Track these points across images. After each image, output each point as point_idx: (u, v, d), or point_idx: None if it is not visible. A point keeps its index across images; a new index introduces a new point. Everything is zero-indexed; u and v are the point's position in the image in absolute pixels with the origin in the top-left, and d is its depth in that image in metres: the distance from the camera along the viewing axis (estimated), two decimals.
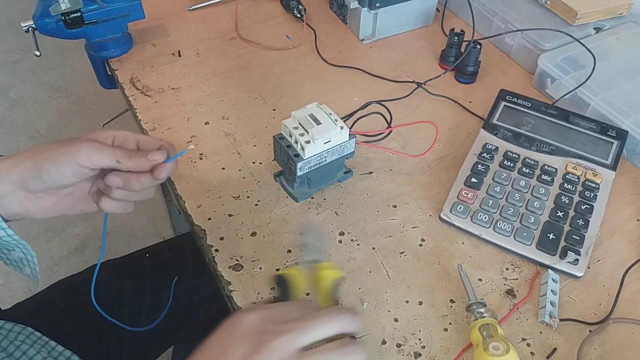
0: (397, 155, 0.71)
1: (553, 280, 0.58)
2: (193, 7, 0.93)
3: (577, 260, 0.59)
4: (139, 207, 0.57)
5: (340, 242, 0.61)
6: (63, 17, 0.76)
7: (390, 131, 0.72)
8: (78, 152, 0.49)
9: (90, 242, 1.65)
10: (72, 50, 2.20)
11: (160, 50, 0.85)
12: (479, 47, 0.79)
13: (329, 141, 0.60)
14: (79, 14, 0.77)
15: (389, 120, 0.72)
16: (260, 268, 0.59)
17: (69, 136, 0.51)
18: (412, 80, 0.81)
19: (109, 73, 0.86)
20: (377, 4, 0.84)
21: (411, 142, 0.73)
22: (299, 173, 0.60)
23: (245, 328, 0.42)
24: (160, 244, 0.92)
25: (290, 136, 0.59)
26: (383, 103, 0.75)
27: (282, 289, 0.51)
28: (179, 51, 0.85)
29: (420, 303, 0.57)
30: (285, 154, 0.60)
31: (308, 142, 0.58)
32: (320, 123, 0.60)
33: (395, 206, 0.65)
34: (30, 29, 0.77)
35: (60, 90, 2.11)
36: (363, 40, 0.89)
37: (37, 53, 0.76)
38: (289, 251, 0.60)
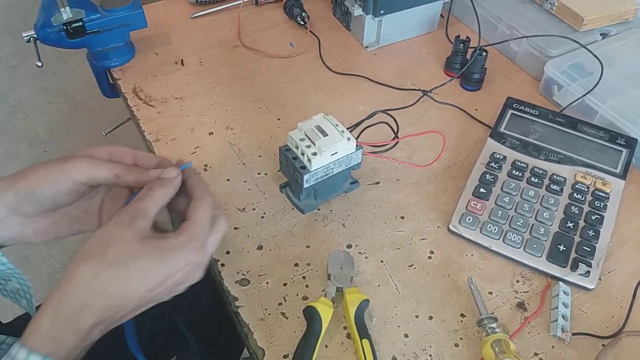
0: (403, 165, 0.70)
1: (564, 292, 0.57)
2: (196, 15, 0.92)
3: (588, 272, 0.58)
4: None
5: (348, 253, 0.61)
6: (65, 27, 0.75)
7: (397, 142, 0.71)
8: (74, 168, 0.47)
9: None
10: (72, 55, 2.18)
11: (163, 59, 0.85)
12: (485, 54, 0.79)
13: (336, 153, 0.59)
14: (80, 23, 0.76)
15: (395, 130, 0.72)
16: (267, 282, 0.58)
17: (70, 142, 0.50)
18: (417, 88, 0.81)
19: (111, 82, 0.86)
20: (382, 11, 0.83)
21: (418, 151, 0.72)
22: (305, 185, 0.59)
23: None
24: None
25: (297, 148, 0.59)
26: (389, 112, 0.74)
27: (313, 321, 0.52)
28: (182, 60, 0.84)
29: (431, 318, 0.56)
30: (291, 165, 0.59)
31: (315, 154, 0.57)
32: (327, 134, 0.59)
33: (403, 217, 0.65)
34: (31, 38, 0.76)
35: (60, 96, 2.11)
36: (367, 47, 0.89)
37: (39, 64, 0.75)
38: (296, 265, 0.60)
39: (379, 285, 0.58)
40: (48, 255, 1.62)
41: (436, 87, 0.80)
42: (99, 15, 0.78)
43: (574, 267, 0.58)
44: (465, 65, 0.80)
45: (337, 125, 0.60)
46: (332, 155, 0.59)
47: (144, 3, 0.93)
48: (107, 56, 0.82)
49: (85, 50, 0.82)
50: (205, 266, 0.46)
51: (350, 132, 0.63)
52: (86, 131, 1.95)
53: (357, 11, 0.85)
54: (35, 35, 0.76)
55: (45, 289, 1.54)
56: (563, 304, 0.56)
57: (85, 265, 0.41)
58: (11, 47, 2.31)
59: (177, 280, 0.44)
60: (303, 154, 0.58)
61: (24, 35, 0.76)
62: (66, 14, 0.74)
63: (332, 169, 0.61)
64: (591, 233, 0.61)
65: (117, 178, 0.48)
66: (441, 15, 0.92)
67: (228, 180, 0.68)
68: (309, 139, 0.59)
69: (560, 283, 0.58)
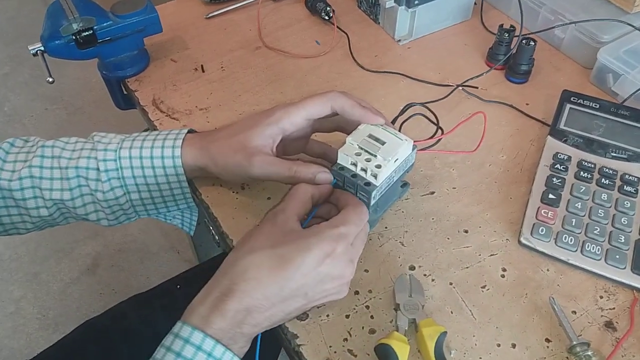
0: (458, 170, 0.64)
1: None
2: (210, 15, 0.85)
3: None
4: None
5: (415, 277, 0.55)
6: (74, 37, 0.68)
7: (441, 135, 0.65)
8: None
9: (101, 262, 1.58)
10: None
11: (181, 66, 0.78)
12: (533, 43, 0.72)
13: (398, 159, 0.53)
14: (91, 32, 0.69)
15: (437, 123, 0.65)
16: (328, 315, 0.52)
17: None
18: (459, 83, 0.74)
19: (126, 92, 0.79)
20: (416, 1, 0.77)
21: (464, 141, 0.66)
22: (372, 202, 0.53)
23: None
24: (189, 272, 0.85)
25: (354, 165, 0.52)
26: (427, 105, 0.68)
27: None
28: (202, 66, 0.77)
29: (514, 346, 0.50)
30: (351, 184, 0.53)
31: (379, 166, 0.51)
32: (384, 142, 0.53)
33: (466, 231, 0.59)
34: (38, 52, 0.69)
35: (56, 102, 2.03)
36: (399, 41, 0.82)
37: (50, 79, 0.69)
38: (357, 292, 0.54)
39: (452, 312, 0.52)
40: (57, 270, 1.56)
41: (475, 77, 0.73)
42: (110, 22, 0.71)
43: None
44: (509, 55, 0.74)
45: (387, 129, 0.54)
46: (395, 162, 0.53)
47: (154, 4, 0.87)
48: (120, 66, 0.75)
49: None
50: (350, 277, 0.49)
51: None
52: (85, 136, 1.87)
53: (389, 3, 0.78)
54: (42, 48, 0.69)
55: (57, 306, 1.48)
56: None
57: (230, 254, 0.48)
58: (2, 54, 2.22)
59: (314, 279, 0.46)
60: (364, 170, 0.52)
61: (30, 48, 0.69)
62: (77, 23, 0.67)
63: (393, 177, 0.54)
64: None
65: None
66: (474, 2, 0.86)
67: (269, 198, 0.62)
68: (367, 151, 0.52)
69: None
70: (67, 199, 0.57)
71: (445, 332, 0.49)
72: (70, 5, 0.68)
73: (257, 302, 0.44)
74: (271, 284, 0.45)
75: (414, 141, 0.59)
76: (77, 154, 0.57)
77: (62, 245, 1.61)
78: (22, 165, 0.56)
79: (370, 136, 0.54)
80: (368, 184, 0.52)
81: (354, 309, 0.53)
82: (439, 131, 0.65)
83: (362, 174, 0.52)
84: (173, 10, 0.87)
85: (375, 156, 0.52)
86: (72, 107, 2.00)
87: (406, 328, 0.50)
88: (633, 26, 0.73)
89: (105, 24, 0.70)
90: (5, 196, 0.57)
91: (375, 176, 0.51)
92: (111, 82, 0.77)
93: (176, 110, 0.72)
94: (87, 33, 0.69)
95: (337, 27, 0.83)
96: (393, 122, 0.65)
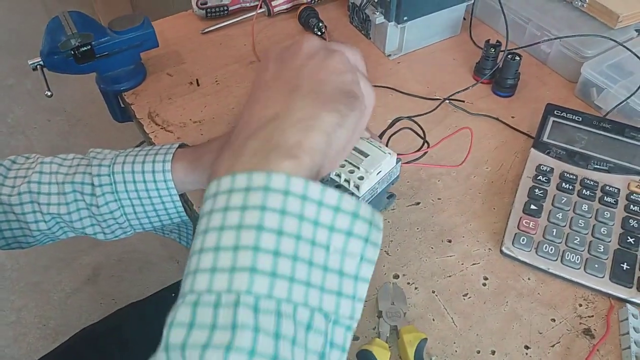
0: (443, 182, 0.66)
1: (633, 316, 0.53)
2: (206, 30, 0.88)
3: None
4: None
5: (398, 285, 0.56)
6: (73, 52, 0.71)
7: (427, 149, 0.67)
8: None
9: (102, 271, 1.59)
10: None
11: (176, 80, 0.80)
12: (518, 58, 0.74)
13: (381, 171, 0.55)
14: (89, 47, 0.72)
15: (423, 136, 0.67)
16: None
17: None
18: (446, 97, 0.76)
19: (123, 106, 0.81)
20: (405, 17, 0.79)
21: (449, 154, 0.68)
22: None
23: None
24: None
25: (338, 176, 0.54)
26: (416, 119, 0.70)
27: None
28: (197, 80, 0.80)
29: (493, 352, 0.52)
30: None
31: (362, 177, 0.53)
32: (367, 154, 0.55)
33: (450, 241, 0.60)
34: (38, 66, 0.72)
35: (59, 113, 2.06)
36: (389, 55, 0.84)
37: (49, 93, 0.71)
38: None
39: (433, 320, 0.54)
40: (58, 280, 1.57)
41: (462, 90, 0.76)
42: (108, 38, 0.73)
43: None
44: (494, 70, 0.76)
45: (371, 141, 0.56)
46: (377, 174, 0.55)
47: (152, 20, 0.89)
48: (117, 79, 0.78)
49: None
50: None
51: None
52: (88, 148, 1.90)
53: (379, 19, 0.80)
54: (41, 63, 0.71)
55: (58, 315, 1.50)
56: (634, 328, 0.52)
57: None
58: (5, 65, 2.25)
59: (305, 56, 0.39)
60: (347, 181, 0.54)
61: (29, 62, 0.71)
62: (75, 39, 0.70)
63: (376, 188, 0.56)
64: None
65: None
66: (463, 17, 0.88)
67: None
68: (350, 163, 0.54)
69: (628, 305, 0.54)
70: (64, 213, 0.58)
71: (426, 339, 0.50)
72: (69, 22, 0.71)
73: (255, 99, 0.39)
74: (265, 79, 0.40)
75: (401, 154, 0.61)
76: (73, 170, 0.59)
77: (63, 255, 1.62)
78: (21, 181, 0.58)
79: (355, 149, 0.55)
80: (351, 194, 0.53)
81: None
82: (425, 144, 0.66)
83: (345, 184, 0.54)
84: (170, 25, 0.90)
85: (358, 168, 0.54)
86: (74, 119, 2.03)
87: (388, 334, 0.51)
88: (616, 41, 0.75)
89: (102, 40, 0.73)
90: (6, 210, 0.59)
91: (357, 187, 0.53)
92: (108, 96, 0.80)
93: (171, 123, 0.74)
94: (85, 48, 0.71)
95: None
96: (381, 135, 0.66)
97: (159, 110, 0.76)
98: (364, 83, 0.40)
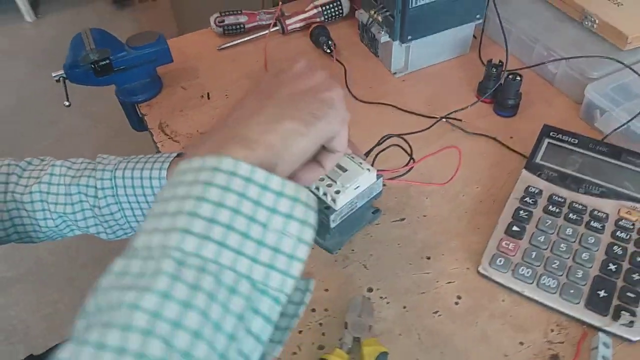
0: (431, 200, 0.67)
1: (604, 345, 0.52)
2: (222, 47, 0.92)
3: (632, 322, 0.53)
4: None
5: (368, 299, 0.58)
6: (92, 66, 0.76)
7: (412, 165, 0.68)
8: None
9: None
10: None
11: (189, 93, 0.85)
12: (519, 79, 0.74)
13: (358, 187, 0.57)
14: (107, 61, 0.77)
15: (410, 153, 0.68)
16: None
17: None
18: (443, 115, 0.77)
19: (139, 116, 0.86)
20: (409, 37, 0.80)
21: (437, 172, 0.69)
22: (332, 225, 0.57)
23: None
24: None
25: (317, 189, 0.56)
26: (408, 137, 0.71)
27: None
28: (207, 93, 0.84)
29: None
30: None
31: (338, 192, 0.55)
32: (346, 170, 0.57)
33: (429, 258, 0.61)
34: (61, 78, 0.78)
35: (105, 120, 2.18)
36: (395, 73, 0.86)
37: (67, 103, 0.77)
38: (313, 310, 0.57)
39: (400, 334, 0.55)
40: (93, 277, 1.65)
41: (460, 110, 0.76)
42: (125, 53, 0.79)
43: (616, 316, 0.53)
44: (494, 89, 0.76)
45: (352, 157, 0.58)
46: (355, 189, 0.57)
47: (176, 36, 0.95)
48: (133, 92, 0.83)
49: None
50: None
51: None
52: (128, 154, 2.00)
53: (384, 38, 0.82)
54: (64, 75, 0.78)
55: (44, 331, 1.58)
56: (603, 357, 0.51)
57: None
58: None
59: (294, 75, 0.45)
60: (325, 194, 0.56)
61: (53, 75, 0.78)
62: (94, 55, 0.75)
63: (355, 203, 0.58)
64: (636, 277, 0.56)
65: None
66: (474, 36, 0.88)
67: None
68: (329, 177, 0.56)
69: (600, 334, 0.53)
70: (69, 213, 0.64)
71: (386, 353, 0.51)
72: (89, 38, 0.77)
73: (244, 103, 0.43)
74: (253, 98, 0.44)
75: (387, 170, 0.63)
76: (80, 173, 0.64)
77: (99, 255, 1.72)
78: (34, 182, 0.64)
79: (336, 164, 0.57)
80: (328, 207, 0.56)
81: (308, 325, 0.56)
82: (411, 161, 0.68)
83: (324, 198, 0.56)
84: (190, 42, 0.95)
85: (336, 182, 0.56)
86: (119, 125, 2.15)
87: (350, 346, 0.52)
88: (623, 63, 0.74)
89: (120, 55, 0.78)
90: (19, 208, 0.64)
91: (334, 201, 0.55)
92: (126, 106, 0.85)
93: (179, 133, 0.78)
94: (103, 62, 0.77)
95: (337, 59, 0.87)
96: (369, 152, 0.68)
97: (169, 121, 0.80)
98: (339, 107, 0.44)
